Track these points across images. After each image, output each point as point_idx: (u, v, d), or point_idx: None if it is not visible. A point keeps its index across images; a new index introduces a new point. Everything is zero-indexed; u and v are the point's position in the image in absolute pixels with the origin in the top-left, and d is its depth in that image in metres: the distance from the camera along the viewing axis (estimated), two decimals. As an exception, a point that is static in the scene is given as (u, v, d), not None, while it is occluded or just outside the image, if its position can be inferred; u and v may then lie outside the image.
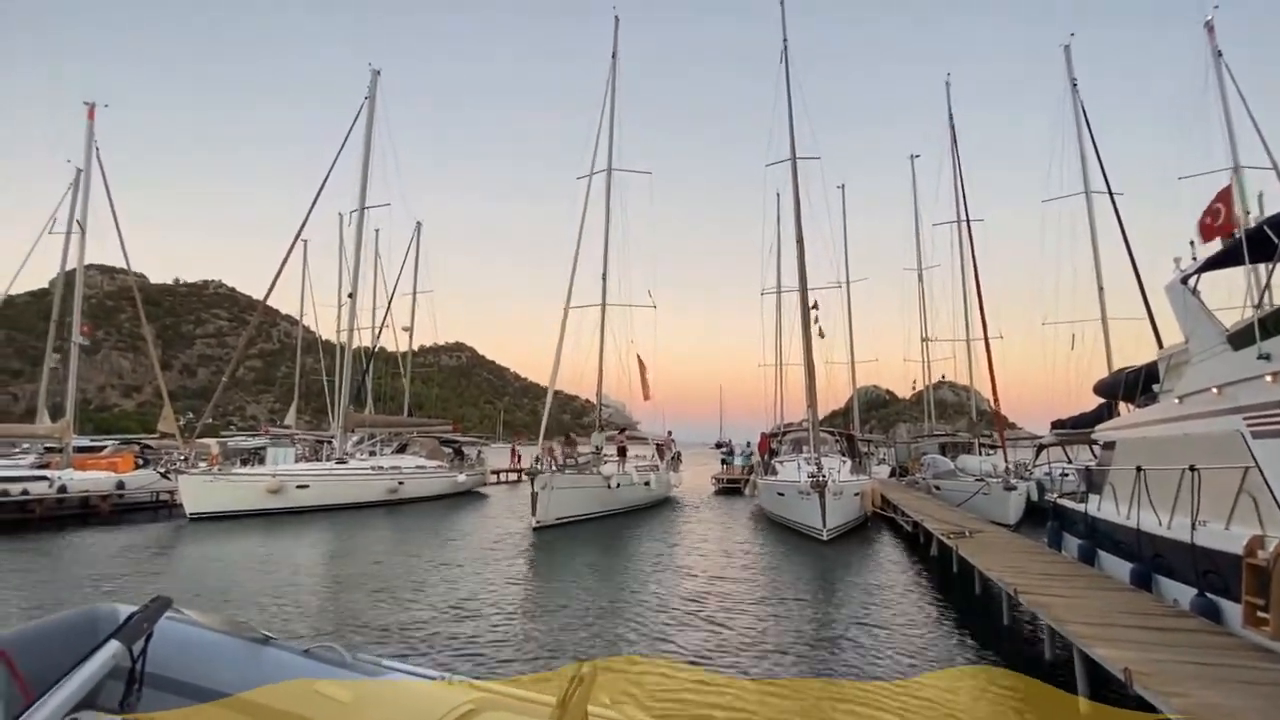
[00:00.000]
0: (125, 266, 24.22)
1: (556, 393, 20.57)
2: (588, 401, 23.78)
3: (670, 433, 29.79)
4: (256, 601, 8.52)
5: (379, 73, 25.08)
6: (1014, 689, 3.98)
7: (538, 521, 15.42)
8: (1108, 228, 20.45)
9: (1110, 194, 19.42)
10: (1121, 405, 11.74)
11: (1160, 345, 12.85)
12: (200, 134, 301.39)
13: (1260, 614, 4.60)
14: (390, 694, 2.19)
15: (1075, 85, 22.96)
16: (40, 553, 12.26)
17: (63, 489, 17.42)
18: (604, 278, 23.01)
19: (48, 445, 21.22)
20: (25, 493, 16.64)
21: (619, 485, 18.72)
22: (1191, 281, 7.42)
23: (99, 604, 2.39)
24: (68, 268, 22.48)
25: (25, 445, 22.57)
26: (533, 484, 15.82)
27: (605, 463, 20.39)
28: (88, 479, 18.52)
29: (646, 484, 20.76)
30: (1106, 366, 20.42)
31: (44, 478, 17.46)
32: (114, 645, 1.69)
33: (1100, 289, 22.46)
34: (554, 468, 17.16)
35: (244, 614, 7.48)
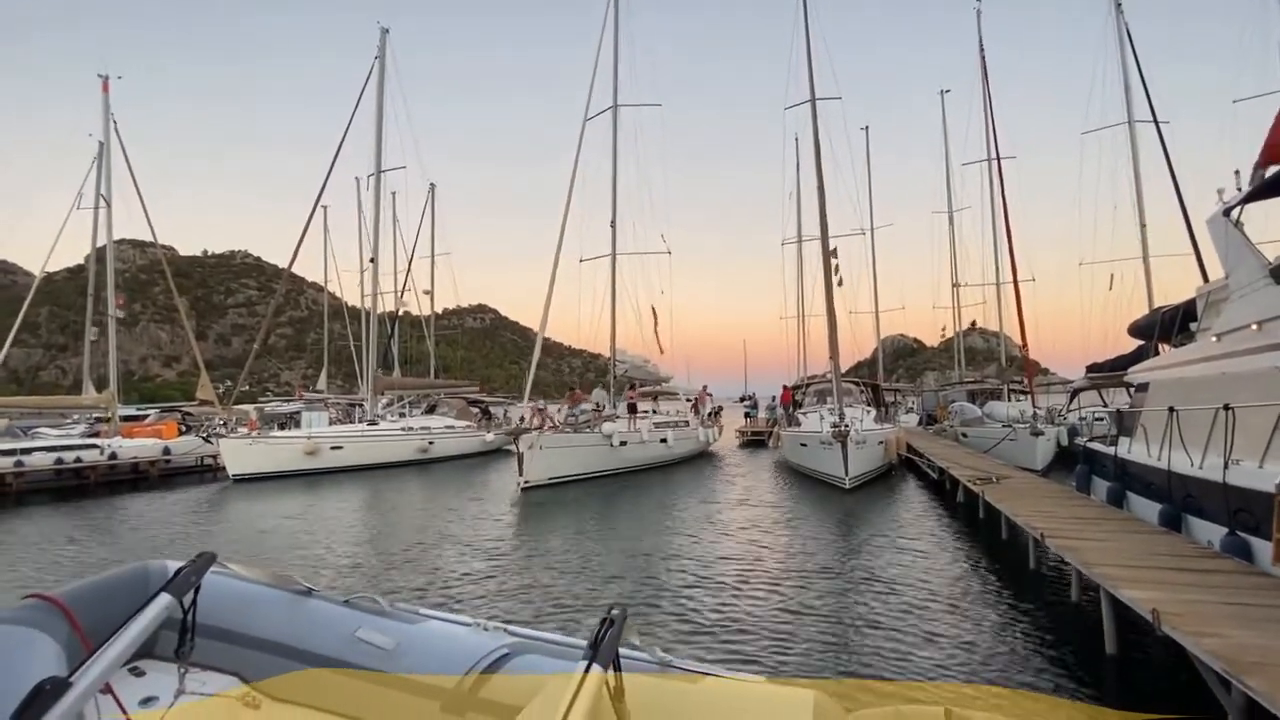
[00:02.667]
0: (152, 239, 24.71)
1: (580, 351, 20.51)
2: (610, 359, 23.59)
3: (706, 387, 29.17)
4: (301, 555, 8.98)
5: (388, 31, 24.56)
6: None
7: (525, 481, 15.15)
8: (1151, 160, 19.47)
9: (1155, 122, 18.39)
10: (1159, 346, 11.38)
11: (1206, 282, 12.35)
12: (211, 100, 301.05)
13: (1291, 551, 4.52)
14: (428, 639, 2.28)
15: (1120, 6, 21.50)
16: (101, 515, 12.97)
17: (113, 456, 18.29)
18: (613, 225, 22.32)
19: (96, 415, 22.18)
20: (79, 460, 17.52)
21: (622, 443, 18.15)
22: (1235, 213, 7.05)
23: (149, 560, 2.51)
24: (100, 243, 23.01)
25: (75, 416, 23.61)
26: (517, 444, 15.50)
27: (611, 420, 19.49)
28: (136, 446, 19.39)
29: (663, 441, 20.16)
30: (1148, 306, 19.72)
31: (95, 446, 18.32)
32: (165, 598, 1.77)
33: (1142, 225, 21.55)
34: (547, 427, 16.69)
35: (290, 567, 7.88)
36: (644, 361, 24.38)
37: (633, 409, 20.75)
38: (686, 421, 23.51)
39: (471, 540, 9.79)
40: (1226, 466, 5.84)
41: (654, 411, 24.01)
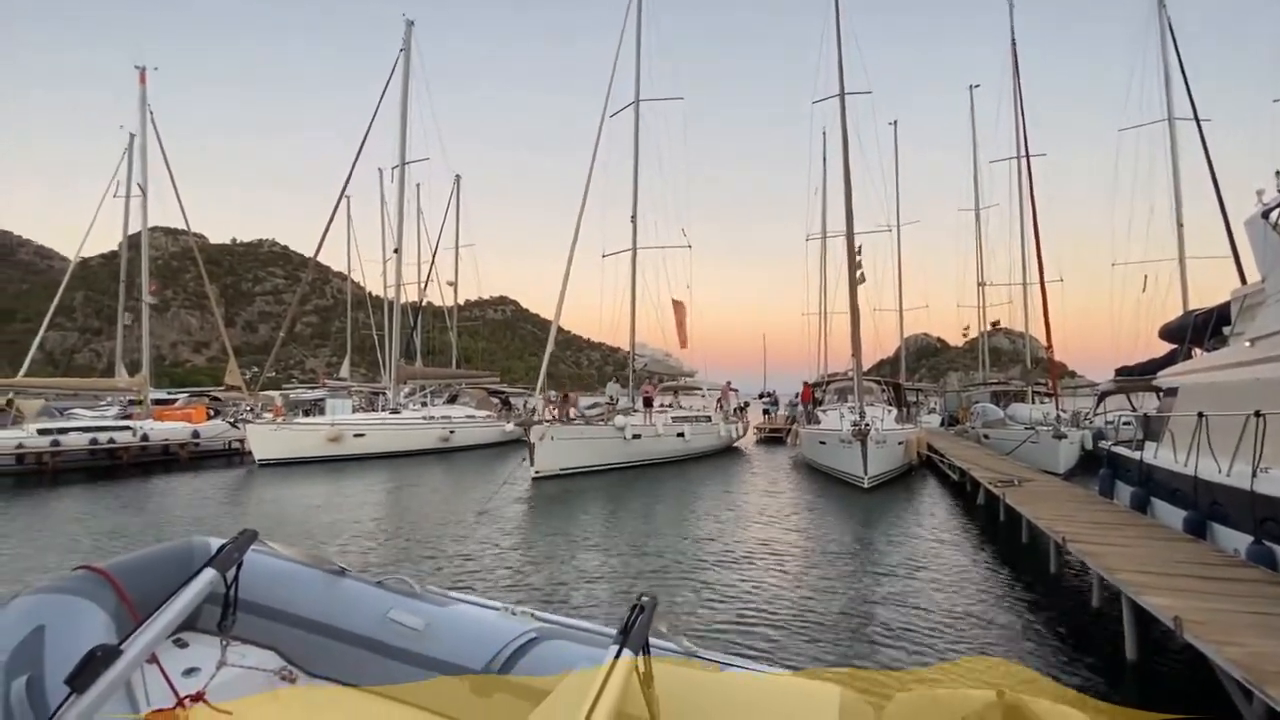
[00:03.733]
0: (185, 228, 25.28)
1: (599, 344, 20.56)
2: (630, 353, 23.62)
3: (730, 383, 29.11)
4: (326, 536, 9.23)
5: (413, 23, 24.74)
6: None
7: (536, 471, 15.51)
8: (1190, 159, 18.95)
9: (1197, 119, 17.90)
10: (1191, 350, 11.13)
11: (1244, 285, 12.04)
12: (240, 90, 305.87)
13: (1321, 563, 4.43)
14: (458, 622, 2.34)
15: (1163, -1, 20.88)
16: (136, 493, 13.45)
17: (145, 437, 18.86)
18: (633, 220, 22.34)
19: (129, 398, 22.83)
20: (112, 441, 18.08)
21: (636, 436, 18.28)
22: (1274, 215, 6.87)
23: (193, 537, 2.61)
24: (132, 230, 23.61)
25: (109, 398, 24.32)
26: (528, 435, 15.85)
27: (629, 413, 19.63)
28: (167, 429, 19.95)
29: (680, 435, 20.24)
30: (1182, 309, 19.20)
31: (128, 428, 18.90)
32: (210, 573, 1.83)
33: (1179, 225, 20.97)
34: (556, 419, 16.88)
35: (314, 547, 8.08)
36: (665, 356, 24.31)
37: (649, 403, 20.70)
38: (708, 417, 23.39)
39: (483, 525, 9.97)
40: (1255, 474, 5.73)
41: (676, 406, 23.96)
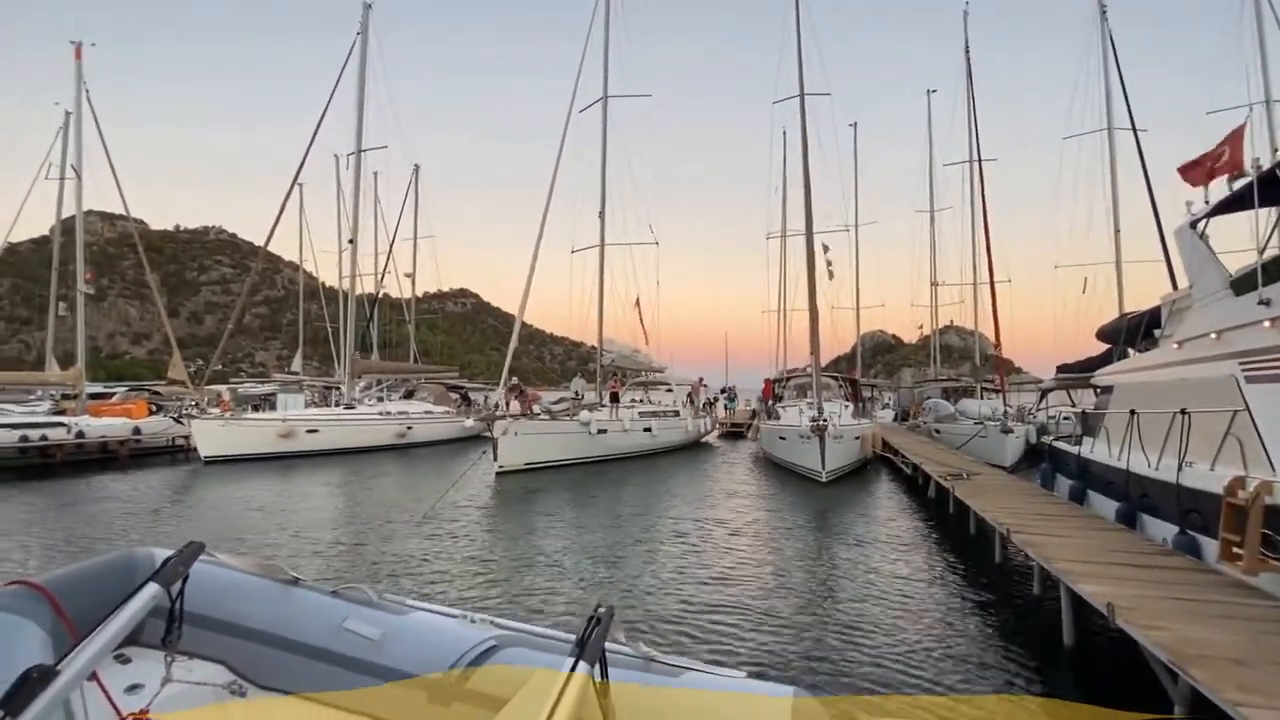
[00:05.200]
0: (124, 212, 24.02)
1: (561, 338, 20.46)
2: (593, 348, 23.59)
3: (701, 379, 29.40)
4: (275, 540, 8.89)
5: (370, 6, 24.02)
6: None
7: (500, 466, 15.42)
8: (1130, 167, 19.90)
9: (1134, 129, 18.74)
10: (1126, 350, 11.75)
11: (1175, 290, 12.74)
12: (184, 70, 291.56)
13: (1235, 549, 4.77)
14: (415, 631, 2.30)
15: (1105, 12, 21.83)
16: (67, 496, 12.70)
17: (80, 435, 17.88)
18: (601, 216, 22.36)
19: (63, 393, 21.63)
20: (44, 439, 17.09)
21: (601, 431, 18.29)
22: (1201, 225, 7.30)
23: (136, 548, 2.50)
24: (66, 214, 22.31)
25: (39, 393, 22.99)
26: (491, 430, 15.78)
27: (594, 408, 19.59)
28: (105, 425, 18.96)
29: (647, 430, 20.33)
30: (1119, 311, 20.21)
31: (62, 424, 17.88)
32: (153, 587, 1.77)
33: (1116, 230, 22.01)
34: (521, 413, 16.86)
35: (264, 552, 7.87)
36: (633, 351, 24.35)
37: (615, 398, 20.73)
38: (677, 412, 23.54)
39: (441, 524, 9.81)
40: (1180, 468, 6.10)
41: (645, 401, 24.01)
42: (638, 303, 23.95)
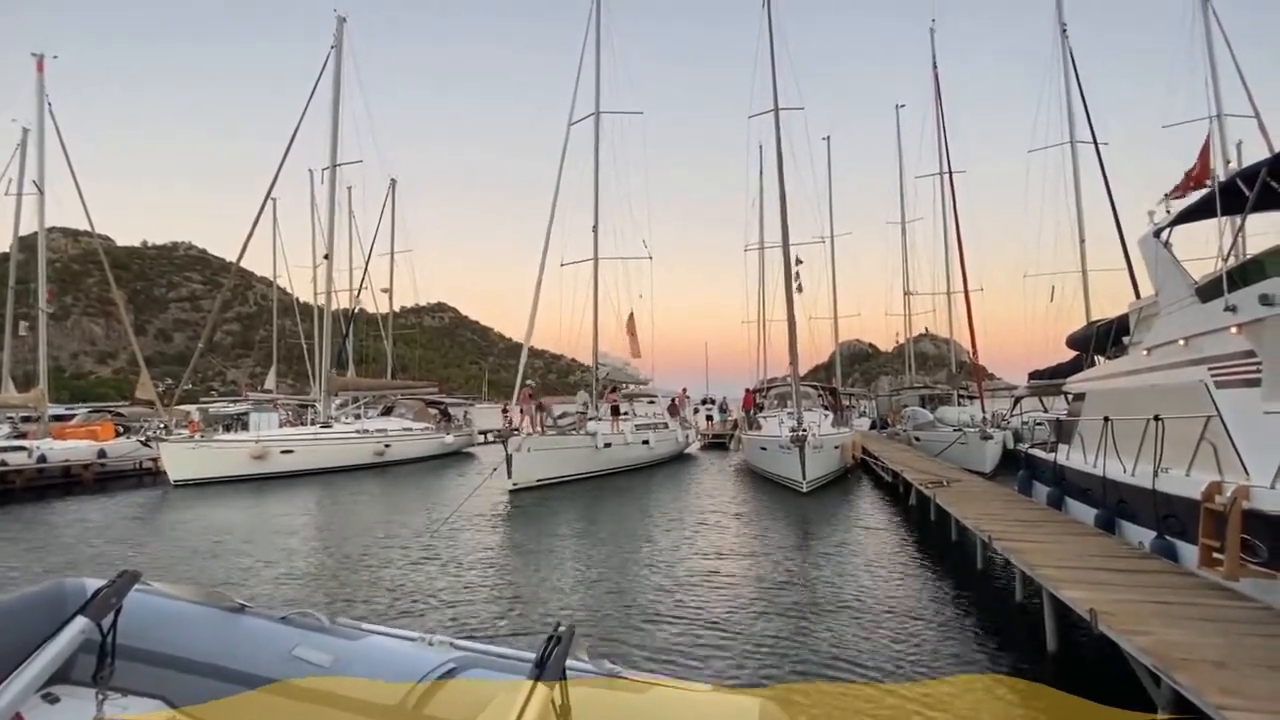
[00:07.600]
0: (89, 228, 23.41)
1: (542, 351, 20.36)
2: (573, 360, 23.56)
3: (685, 390, 29.58)
4: (243, 568, 8.58)
5: (345, 19, 23.90)
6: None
7: (514, 484, 15.31)
8: (1092, 178, 20.51)
9: (1095, 143, 19.34)
10: (1094, 357, 12.02)
11: (1139, 298, 13.12)
12: (153, 85, 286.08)
13: (1215, 555, 4.86)
14: (370, 656, 2.20)
15: (1065, 31, 22.57)
16: (26, 523, 12.22)
17: (42, 459, 17.25)
18: (594, 230, 22.41)
19: (23, 415, 20.88)
20: (4, 464, 16.46)
21: (608, 445, 18.48)
22: (1164, 234, 7.52)
23: (65, 578, 2.34)
24: (26, 231, 21.67)
25: (-1, 416, 22.17)
26: (505, 447, 15.64)
27: (597, 421, 19.79)
28: (68, 448, 18.34)
29: (645, 442, 20.45)
30: (1085, 318, 20.71)
31: (22, 448, 17.26)
32: (81, 621, 1.68)
33: (1081, 241, 22.63)
34: (531, 430, 16.81)
35: (227, 581, 7.55)
36: (624, 364, 24.38)
37: (616, 411, 20.86)
38: (665, 424, 23.77)
39: (426, 549, 9.62)
40: (1156, 474, 6.23)
41: (632, 414, 24.04)
42: (631, 317, 23.96)
